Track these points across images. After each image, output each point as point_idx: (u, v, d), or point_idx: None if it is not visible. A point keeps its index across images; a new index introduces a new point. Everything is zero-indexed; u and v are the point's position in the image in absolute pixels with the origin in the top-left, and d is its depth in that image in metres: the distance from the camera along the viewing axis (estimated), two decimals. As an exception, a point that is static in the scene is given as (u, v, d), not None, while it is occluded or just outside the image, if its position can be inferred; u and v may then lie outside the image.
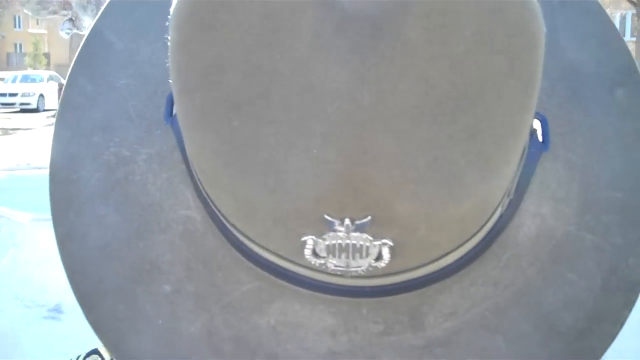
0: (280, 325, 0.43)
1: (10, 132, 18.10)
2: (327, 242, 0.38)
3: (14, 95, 23.68)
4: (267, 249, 0.41)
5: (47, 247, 1.30)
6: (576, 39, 0.48)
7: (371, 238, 0.37)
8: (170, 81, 0.39)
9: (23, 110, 23.39)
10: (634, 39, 22.04)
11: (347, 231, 0.37)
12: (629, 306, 0.43)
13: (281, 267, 0.41)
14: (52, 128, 0.50)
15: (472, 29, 0.35)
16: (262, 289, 0.43)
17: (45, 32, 48.05)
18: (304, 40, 0.34)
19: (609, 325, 0.43)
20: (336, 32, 0.33)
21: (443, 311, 0.43)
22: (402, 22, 0.33)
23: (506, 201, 0.42)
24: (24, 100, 23.66)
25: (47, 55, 43.88)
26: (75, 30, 2.89)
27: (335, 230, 0.37)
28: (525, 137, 0.38)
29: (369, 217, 0.36)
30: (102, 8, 0.50)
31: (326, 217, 0.36)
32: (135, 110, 0.48)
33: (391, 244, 0.38)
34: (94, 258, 0.45)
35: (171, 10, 0.38)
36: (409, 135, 0.34)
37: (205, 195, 0.43)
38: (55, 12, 2.99)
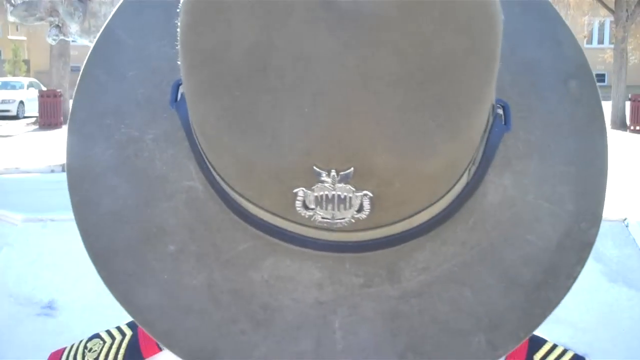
0: (272, 279, 0.48)
1: (-10, 138, 17.94)
2: (315, 194, 0.43)
3: (-7, 102, 23.48)
4: (262, 207, 0.47)
5: (39, 246, 1.33)
6: (535, 40, 0.56)
7: (353, 189, 0.43)
8: (179, 61, 0.45)
9: (2, 117, 23.19)
10: (612, 45, 22.27)
11: (333, 182, 0.43)
12: (580, 263, 0.50)
13: (274, 226, 0.47)
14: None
15: (440, 11, 0.41)
16: (256, 247, 0.48)
17: (25, 38, 47.70)
18: (296, 16, 0.40)
19: (564, 279, 0.49)
20: (324, 8, 0.39)
21: (417, 266, 0.48)
22: (381, 1, 0.39)
23: (472, 169, 0.49)
24: (4, 107, 23.63)
25: (26, 62, 43.49)
26: (62, 37, 2.91)
27: (322, 182, 0.43)
28: (487, 107, 0.45)
29: (352, 169, 0.42)
30: (114, 10, 0.56)
31: (315, 168, 0.42)
32: (143, 97, 0.54)
33: (371, 194, 0.44)
34: (106, 222, 0.50)
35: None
36: (385, 97, 0.40)
37: (206, 165, 0.48)
38: (42, 19, 3.02)
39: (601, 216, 0.51)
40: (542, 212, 0.51)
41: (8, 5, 36.13)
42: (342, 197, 0.43)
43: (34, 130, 17.94)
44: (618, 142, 14.15)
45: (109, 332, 0.70)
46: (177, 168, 0.52)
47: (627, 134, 17.83)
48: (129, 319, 0.51)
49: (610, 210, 1.66)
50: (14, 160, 3.11)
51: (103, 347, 0.68)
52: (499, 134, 0.50)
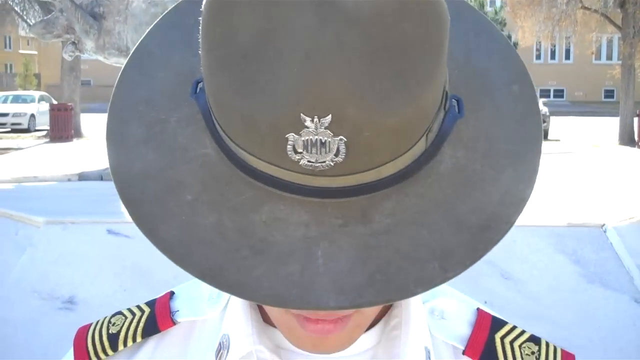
0: (269, 220, 0.60)
1: (2, 151, 18.17)
2: (302, 138, 0.56)
3: (6, 115, 23.83)
4: (260, 158, 0.59)
5: (60, 246, 1.46)
6: (486, 55, 0.71)
7: (332, 134, 0.55)
8: (200, 49, 0.60)
9: (14, 130, 23.45)
10: (620, 62, 22.34)
11: (316, 127, 0.55)
12: (517, 213, 0.63)
13: (271, 175, 0.59)
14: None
15: (398, 7, 0.55)
16: (256, 196, 0.61)
17: (36, 52, 48.18)
18: (288, 6, 0.54)
19: (503, 224, 0.61)
20: (309, 1, 0.53)
21: (385, 212, 0.60)
22: None
23: (430, 138, 0.62)
24: (16, 120, 23.87)
25: (37, 76, 43.95)
26: (77, 53, 3.05)
27: (307, 127, 0.55)
28: (438, 86, 0.60)
29: (330, 116, 0.54)
30: (148, 30, 0.72)
31: (302, 115, 0.54)
32: (169, 91, 0.68)
33: (345, 139, 0.56)
34: (137, 180, 0.63)
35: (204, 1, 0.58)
36: (355, 64, 0.54)
37: (219, 134, 0.62)
38: (59, 36, 3.17)
39: (534, 180, 0.64)
40: (488, 177, 0.64)
41: (20, 20, 36.55)
42: (323, 141, 0.56)
43: (45, 142, 18.11)
44: (626, 158, 14.15)
45: (129, 310, 0.82)
46: (195, 140, 0.65)
47: (636, 149, 17.81)
48: None
49: (590, 216, 1.78)
50: (30, 170, 3.24)
51: (125, 321, 0.80)
52: (453, 119, 0.64)
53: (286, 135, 0.56)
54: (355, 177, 0.59)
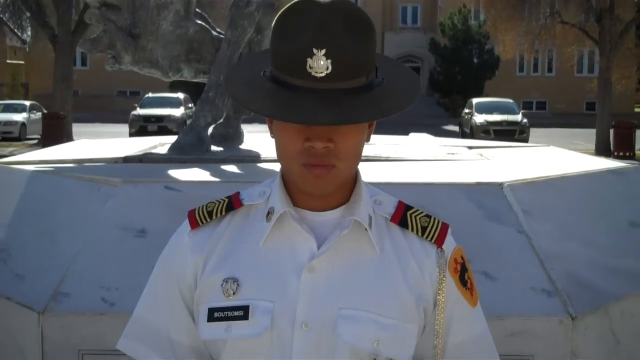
0: (291, 100, 1.23)
1: (-4, 158, 18.63)
2: (313, 60, 1.21)
3: (-4, 123, 24.10)
4: (290, 75, 1.24)
5: (133, 197, 2.18)
6: (393, 65, 1.40)
7: (325, 58, 1.21)
8: (270, 46, 1.30)
9: (4, 139, 23.84)
10: (592, 74, 23.18)
11: (318, 55, 1.21)
12: (407, 106, 1.30)
13: (295, 85, 1.23)
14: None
15: (344, 16, 1.25)
16: (287, 94, 1.24)
17: (23, 62, 48.64)
18: (309, 8, 1.24)
19: (404, 108, 1.28)
20: (316, 4, 1.24)
21: (353, 102, 1.24)
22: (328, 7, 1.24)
23: (370, 78, 1.27)
24: (7, 129, 24.18)
25: (24, 86, 44.30)
26: (117, 66, 3.63)
27: (315, 54, 1.21)
28: (373, 51, 1.27)
29: (325, 49, 1.21)
30: (232, 67, 1.50)
31: (313, 49, 1.21)
32: (249, 78, 1.33)
33: (331, 61, 1.21)
34: (235, 87, 1.32)
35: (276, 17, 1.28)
36: (337, 29, 1.23)
37: (272, 72, 1.28)
38: (102, 51, 3.74)
39: (418, 94, 1.37)
40: (400, 95, 1.32)
41: (7, 29, 36.56)
42: (322, 62, 1.21)
43: (37, 150, 18.65)
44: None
45: (217, 200, 1.51)
46: (262, 82, 1.30)
47: (610, 160, 18.60)
48: None
49: (494, 179, 2.51)
50: (79, 155, 3.76)
51: (215, 205, 1.50)
52: (380, 80, 1.30)
53: (307, 58, 1.22)
54: (335, 84, 1.24)
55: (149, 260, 1.55)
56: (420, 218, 1.44)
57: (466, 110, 25.63)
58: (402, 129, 4.85)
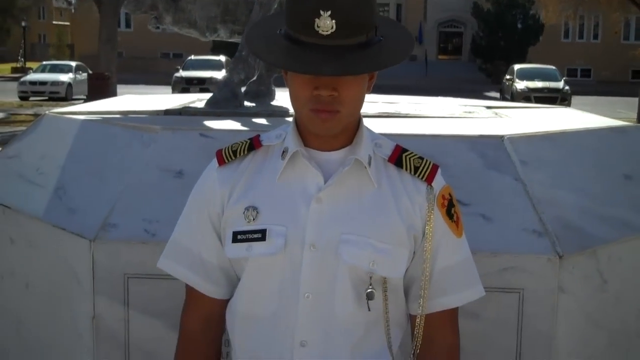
0: (303, 55, 1.47)
1: (43, 117, 19.20)
2: (320, 20, 1.44)
3: (44, 83, 24.80)
4: (301, 33, 1.48)
5: (172, 142, 2.42)
6: (393, 25, 1.65)
7: (330, 18, 1.44)
8: (285, 8, 1.57)
9: (52, 99, 24.46)
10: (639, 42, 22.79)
11: (325, 16, 1.44)
12: (403, 59, 1.55)
13: (306, 42, 1.48)
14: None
15: None
16: (298, 49, 1.49)
17: (68, 23, 49.34)
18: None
19: (399, 60, 1.54)
20: None
21: (355, 57, 1.47)
22: None
23: (370, 36, 1.51)
24: (53, 89, 24.81)
25: (70, 47, 45.08)
26: (159, 25, 3.88)
27: (321, 15, 1.43)
28: (372, 18, 1.52)
29: (330, 11, 1.43)
30: (253, 25, 1.77)
31: (320, 11, 1.43)
32: (267, 35, 1.56)
33: (335, 20, 1.44)
34: (255, 43, 1.59)
35: None
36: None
37: (286, 31, 1.53)
38: (145, 12, 4.00)
39: (410, 51, 1.60)
40: (396, 47, 1.55)
41: None
42: (328, 22, 1.43)
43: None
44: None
45: (241, 141, 1.76)
46: (277, 39, 1.52)
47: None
48: None
49: (496, 132, 2.74)
50: (123, 107, 4.01)
51: (238, 146, 1.73)
52: (379, 39, 1.52)
53: (315, 18, 1.44)
54: (339, 41, 1.46)
55: (186, 198, 1.82)
56: (413, 159, 1.67)
57: (507, 77, 25.50)
58: (444, 95, 5.07)
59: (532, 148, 2.60)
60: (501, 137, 2.56)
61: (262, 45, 1.62)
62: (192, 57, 27.36)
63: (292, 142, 1.63)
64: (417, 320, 1.66)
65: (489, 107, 3.93)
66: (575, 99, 23.35)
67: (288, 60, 1.53)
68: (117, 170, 2.58)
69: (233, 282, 1.72)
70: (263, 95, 3.78)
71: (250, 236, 1.62)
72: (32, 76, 25.63)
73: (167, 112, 3.36)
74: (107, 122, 2.97)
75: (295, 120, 1.66)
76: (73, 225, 2.45)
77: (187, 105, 3.61)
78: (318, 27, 1.46)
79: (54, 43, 44.66)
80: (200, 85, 22.85)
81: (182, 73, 25.29)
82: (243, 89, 3.59)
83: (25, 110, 21.25)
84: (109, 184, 2.55)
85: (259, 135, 1.72)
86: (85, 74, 24.60)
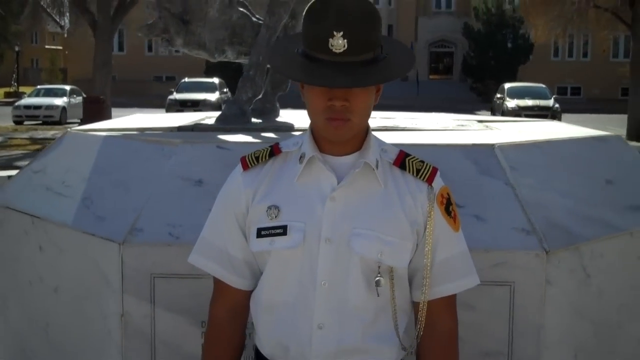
0: (316, 70, 1.69)
1: (40, 141, 19.44)
2: (334, 40, 1.67)
3: (39, 107, 24.94)
4: (316, 50, 1.70)
5: (191, 154, 2.68)
6: (397, 45, 1.86)
7: (342, 38, 1.67)
8: (302, 29, 1.79)
9: (46, 123, 24.60)
10: (628, 59, 23.22)
11: (337, 36, 1.67)
12: (404, 74, 1.84)
13: (320, 59, 1.70)
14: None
15: (357, 7, 1.70)
16: (314, 66, 1.71)
17: (61, 47, 49.67)
18: (332, 10, 1.69)
19: (401, 74, 1.80)
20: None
21: (364, 72, 1.70)
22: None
23: (377, 53, 1.74)
24: (48, 113, 24.95)
25: (63, 71, 45.32)
26: (170, 47, 4.12)
27: (335, 35, 1.66)
28: (378, 38, 1.75)
29: (342, 32, 1.66)
30: (273, 45, 2.05)
31: (334, 32, 1.66)
32: (286, 53, 1.79)
33: (347, 41, 1.67)
34: (277, 61, 1.87)
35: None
36: (353, 15, 1.69)
37: (303, 49, 1.76)
38: (158, 35, 4.24)
39: (412, 66, 1.86)
40: (399, 63, 1.78)
41: (44, 15, 37.23)
42: (341, 42, 1.66)
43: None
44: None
45: (262, 149, 1.94)
46: (295, 57, 1.76)
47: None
48: None
49: (490, 141, 3.00)
50: (138, 125, 4.18)
51: (260, 152, 1.88)
52: (384, 55, 1.75)
53: (329, 38, 1.66)
54: (350, 57, 1.68)
55: (205, 204, 2.05)
56: (415, 162, 1.89)
57: (498, 95, 25.87)
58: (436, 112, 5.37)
59: (521, 155, 2.85)
60: (492, 145, 2.82)
61: (283, 62, 1.85)
62: (186, 79, 27.67)
63: (309, 148, 1.85)
64: (420, 306, 1.86)
65: (480, 121, 4.20)
66: (565, 117, 23.65)
67: (306, 75, 1.76)
68: (140, 180, 2.82)
69: (256, 274, 1.92)
70: (268, 112, 4.04)
71: (273, 232, 1.83)
72: (26, 100, 25.83)
73: (180, 129, 3.61)
74: (128, 137, 3.22)
75: (311, 129, 1.88)
76: (102, 231, 2.68)
77: (198, 122, 3.86)
78: (332, 45, 1.69)
79: (47, 67, 44.90)
80: (194, 107, 23.10)
81: (176, 95, 25.58)
82: (250, 107, 3.85)
83: (21, 135, 21.43)
84: (134, 193, 2.78)
85: (278, 143, 1.95)
86: (79, 98, 24.84)
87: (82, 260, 2.77)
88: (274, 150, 1.93)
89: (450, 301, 1.92)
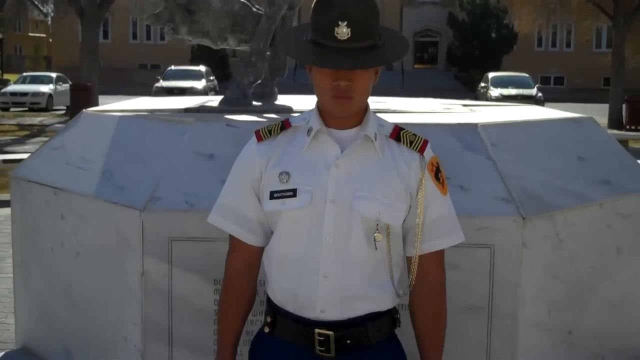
0: (322, 54, 1.94)
1: (28, 127, 19.55)
2: (339, 28, 1.90)
3: (25, 94, 24.95)
4: (324, 37, 1.93)
5: (203, 131, 2.96)
6: (393, 33, 2.09)
7: (346, 26, 1.89)
8: (310, 19, 2.00)
9: (32, 110, 24.66)
10: (610, 50, 23.60)
11: (342, 25, 1.90)
12: (399, 58, 2.08)
13: (327, 45, 1.94)
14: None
15: (362, 1, 1.94)
16: (320, 50, 1.95)
17: (44, 35, 49.48)
18: (338, 2, 1.93)
19: (396, 58, 2.05)
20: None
21: (366, 54, 1.94)
22: None
23: (377, 40, 1.98)
24: (34, 99, 24.95)
25: (47, 58, 45.15)
26: (175, 35, 4.33)
27: (339, 25, 1.89)
28: (377, 27, 1.99)
29: (346, 21, 1.89)
30: (284, 32, 2.34)
31: (339, 22, 1.89)
32: (297, 41, 2.03)
33: (350, 29, 1.90)
34: (289, 47, 2.12)
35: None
36: (355, 9, 1.92)
37: (312, 37, 1.99)
38: (164, 24, 4.43)
39: (406, 51, 2.11)
40: (395, 48, 2.03)
41: (28, 2, 37.04)
42: (344, 30, 1.89)
43: (66, 120, 19.41)
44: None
45: (274, 123, 2.14)
46: (305, 44, 1.99)
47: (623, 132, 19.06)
48: None
49: (473, 121, 3.30)
50: (147, 106, 4.32)
51: (273, 126, 2.11)
52: (382, 42, 1.98)
53: (334, 27, 1.89)
54: (353, 44, 1.91)
55: (217, 176, 2.31)
56: (409, 135, 2.15)
57: (482, 84, 26.16)
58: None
59: (501, 133, 3.16)
60: (475, 124, 3.12)
61: (294, 48, 2.12)
62: (173, 67, 27.76)
63: (316, 122, 2.11)
64: (412, 260, 2.13)
65: (465, 105, 4.52)
66: (548, 106, 23.67)
67: (315, 58, 2.01)
68: (157, 155, 3.10)
69: (267, 233, 2.19)
70: (267, 95, 4.33)
71: (284, 194, 2.08)
72: (12, 87, 25.86)
73: (187, 110, 3.89)
74: (143, 116, 3.51)
75: (318, 106, 2.13)
76: (124, 200, 2.97)
77: (202, 104, 4.15)
78: (337, 34, 1.94)
79: (31, 55, 44.72)
80: (181, 94, 23.18)
81: (163, 83, 25.68)
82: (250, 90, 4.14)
83: (8, 121, 21.53)
84: (151, 166, 3.06)
85: (288, 119, 2.22)
86: (66, 85, 24.88)
87: (104, 227, 3.06)
88: (284, 124, 2.18)
89: (438, 256, 2.18)
